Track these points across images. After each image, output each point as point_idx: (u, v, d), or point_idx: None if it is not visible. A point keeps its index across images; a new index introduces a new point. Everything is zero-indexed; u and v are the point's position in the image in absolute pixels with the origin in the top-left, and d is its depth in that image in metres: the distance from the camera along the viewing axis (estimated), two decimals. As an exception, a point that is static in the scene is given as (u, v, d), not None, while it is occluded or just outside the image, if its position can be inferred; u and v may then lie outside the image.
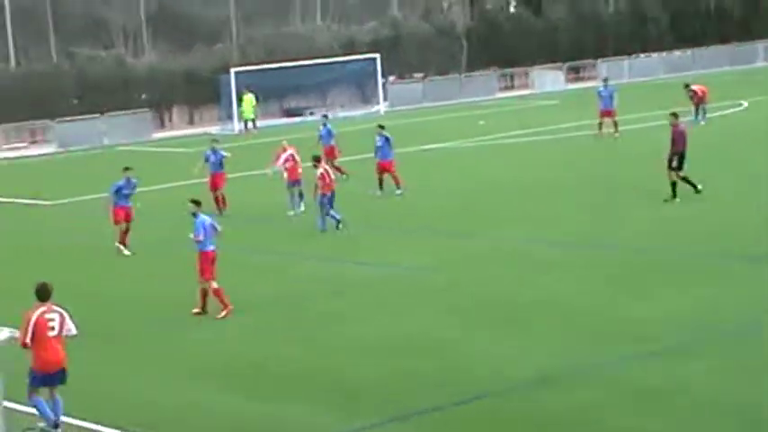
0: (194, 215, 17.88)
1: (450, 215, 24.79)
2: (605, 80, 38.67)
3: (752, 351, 13.97)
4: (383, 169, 28.28)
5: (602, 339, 14.93)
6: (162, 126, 54.02)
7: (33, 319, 12.39)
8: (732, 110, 42.69)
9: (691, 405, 12.41)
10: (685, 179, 23.71)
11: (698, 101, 37.92)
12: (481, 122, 44.46)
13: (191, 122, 55.67)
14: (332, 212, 23.71)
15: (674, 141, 23.81)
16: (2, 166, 44.07)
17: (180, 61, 56.05)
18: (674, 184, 23.59)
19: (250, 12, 61.43)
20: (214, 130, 50.79)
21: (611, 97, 36.10)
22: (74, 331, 12.76)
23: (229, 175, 28.14)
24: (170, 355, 15.81)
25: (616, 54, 64.37)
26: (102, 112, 49.74)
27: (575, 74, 63.94)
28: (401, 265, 20.23)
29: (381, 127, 29.37)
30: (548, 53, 63.79)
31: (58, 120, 48.92)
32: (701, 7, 68.97)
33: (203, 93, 54.21)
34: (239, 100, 49.82)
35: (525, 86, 61.65)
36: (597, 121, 36.23)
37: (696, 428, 11.82)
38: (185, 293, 19.51)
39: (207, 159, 27.43)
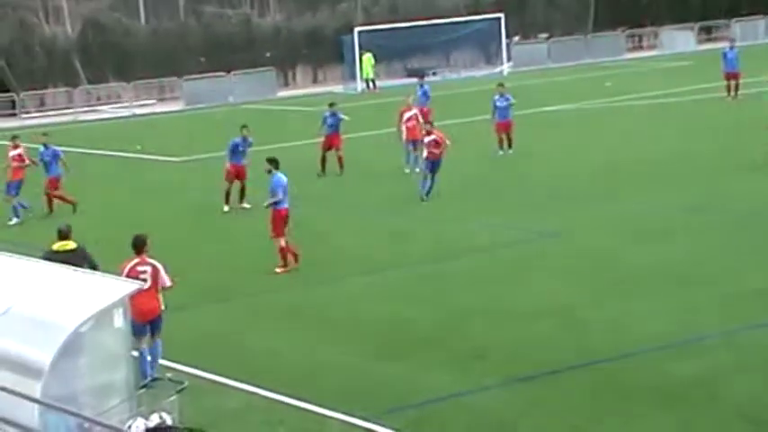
0: (270, 173, 18.01)
1: (574, 179, 24.37)
2: (732, 41, 37.81)
3: None
4: (503, 129, 27.96)
5: (729, 306, 14.49)
6: (286, 84, 54.57)
7: (126, 270, 12.77)
8: None
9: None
10: None
11: None
12: (608, 84, 43.54)
13: (314, 81, 56.08)
14: (426, 180, 22.78)
15: None
16: (132, 122, 45.24)
17: (304, 20, 56.41)
18: None
19: (374, -29, 61.24)
20: (337, 89, 51.11)
21: (736, 59, 35.08)
22: (168, 283, 13.04)
23: (348, 136, 28.22)
24: (297, 313, 15.95)
25: (751, 13, 62.08)
26: (227, 71, 50.51)
27: (706, 34, 61.98)
28: (525, 229, 20.00)
29: (501, 85, 29.00)
30: (678, 13, 61.95)
31: (185, 77, 49.88)
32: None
33: (327, 52, 54.51)
34: (360, 60, 49.97)
35: (654, 47, 60.09)
36: (725, 83, 35.25)
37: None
38: (309, 258, 19.71)
39: (324, 121, 27.35)
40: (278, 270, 17.91)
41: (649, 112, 35.26)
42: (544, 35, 59.30)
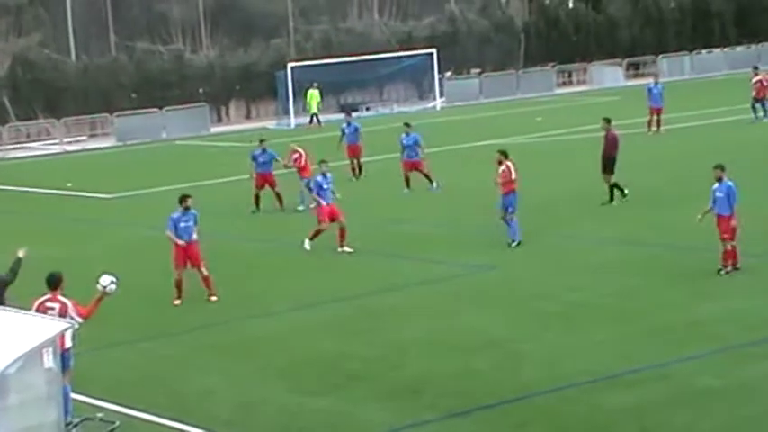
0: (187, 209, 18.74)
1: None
2: (656, 77, 39.01)
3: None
4: (408, 168, 28.17)
5: (661, 339, 14.67)
6: (219, 120, 54.39)
7: (35, 306, 12.76)
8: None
9: (757, 407, 12.13)
10: (614, 185, 24.31)
11: (761, 93, 37.15)
12: (539, 119, 44.11)
13: (248, 117, 55.97)
14: (508, 217, 21.11)
15: (605, 146, 24.48)
16: (63, 159, 44.66)
17: (237, 56, 56.38)
18: (610, 189, 24.25)
19: (307, 7, 61.57)
20: (270, 124, 51.04)
21: (661, 95, 36.05)
22: (78, 320, 12.69)
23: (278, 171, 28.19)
24: (231, 349, 15.81)
25: (677, 50, 63.54)
26: (160, 107, 50.20)
27: (634, 70, 63.23)
28: (459, 263, 20.08)
29: (407, 125, 29.12)
30: (607, 49, 63.15)
31: (116, 114, 49.46)
32: (765, 2, 67.74)
33: (260, 87, 54.49)
34: (304, 95, 49.92)
35: (583, 83, 61.09)
36: (648, 118, 36.27)
37: (757, 430, 11.55)
38: (244, 292, 19.58)
39: (254, 159, 26.89)
40: (176, 302, 18.43)
41: (580, 147, 35.77)
42: (476, 71, 59.99)
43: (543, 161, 32.45)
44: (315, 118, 49.68)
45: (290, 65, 50.82)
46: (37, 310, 12.54)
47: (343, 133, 31.44)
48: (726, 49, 64.67)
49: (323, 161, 22.23)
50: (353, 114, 51.92)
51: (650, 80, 39.86)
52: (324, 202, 21.64)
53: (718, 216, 17.72)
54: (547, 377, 13.51)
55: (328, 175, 21.86)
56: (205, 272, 18.47)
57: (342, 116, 49.91)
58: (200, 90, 53.54)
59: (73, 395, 13.05)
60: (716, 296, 16.58)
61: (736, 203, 17.67)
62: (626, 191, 24.42)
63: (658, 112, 36.25)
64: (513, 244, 20.91)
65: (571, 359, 14.13)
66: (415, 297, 17.97)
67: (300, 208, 26.05)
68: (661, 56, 62.47)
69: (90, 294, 13.09)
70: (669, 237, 19.97)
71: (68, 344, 12.47)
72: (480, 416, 12.52)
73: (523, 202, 25.06)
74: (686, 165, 27.67)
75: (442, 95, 54.82)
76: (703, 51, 63.88)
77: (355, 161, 31.05)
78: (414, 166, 28.25)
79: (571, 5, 67.89)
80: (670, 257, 19.13)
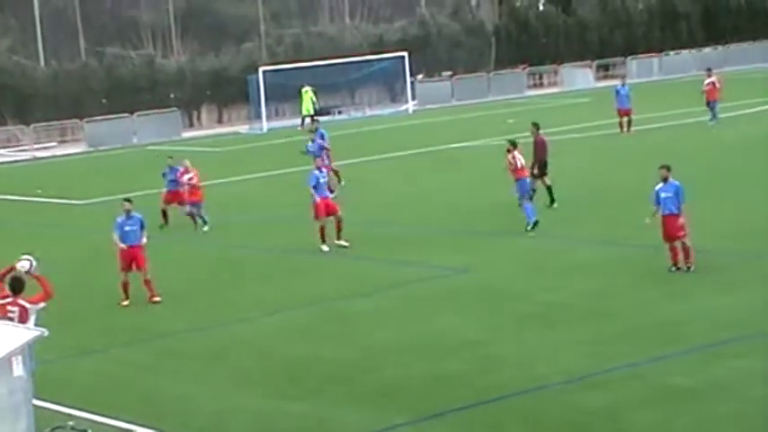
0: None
1: (479, 215, 24.61)
2: (623, 78, 38.95)
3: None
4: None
5: (634, 339, 14.73)
6: (191, 125, 54.20)
7: None
8: (763, 107, 42.23)
9: (727, 406, 12.20)
10: (549, 188, 24.46)
11: (712, 95, 37.21)
12: (510, 121, 44.21)
13: (219, 122, 55.81)
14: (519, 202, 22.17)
15: (535, 151, 24.65)
16: (33, 165, 44.32)
17: (208, 61, 56.21)
18: (549, 189, 24.40)
19: (278, 11, 61.50)
20: (243, 129, 50.92)
21: (628, 96, 36.20)
22: (31, 324, 12.74)
23: (266, 173, 28.11)
24: (205, 355, 15.73)
25: (646, 51, 63.95)
26: (131, 112, 49.95)
27: (604, 71, 63.57)
28: (432, 265, 20.09)
29: (315, 121, 30.25)
30: (577, 51, 63.50)
31: (87, 119, 49.16)
32: (732, 4, 68.36)
33: (232, 92, 54.34)
34: (299, 95, 49.53)
35: (554, 84, 61.35)
36: (618, 120, 36.37)
37: (728, 429, 11.62)
38: (218, 297, 19.52)
39: (164, 176, 26.40)
40: (155, 298, 18.77)
41: (551, 148, 35.86)
42: (448, 73, 60.11)
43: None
44: (308, 119, 49.28)
45: (261, 69, 50.70)
46: None
47: (321, 139, 31.22)
48: (693, 51, 65.16)
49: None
50: (324, 118, 51.96)
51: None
52: (318, 197, 21.83)
53: (666, 216, 17.84)
54: (521, 378, 13.53)
55: (324, 169, 22.52)
56: (148, 276, 18.82)
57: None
58: (172, 95, 53.33)
59: (44, 403, 12.96)
60: (686, 296, 16.67)
61: (682, 202, 17.87)
62: (555, 204, 24.38)
63: (626, 113, 36.40)
64: (529, 227, 21.72)
65: (546, 360, 14.16)
66: (389, 300, 17.96)
67: (206, 229, 24.82)
68: (630, 57, 62.84)
69: (60, 301, 12.99)
70: (641, 237, 20.03)
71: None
72: (455, 418, 12.52)
73: (496, 204, 25.18)
74: (656, 165, 27.67)
75: (414, 98, 54.87)
76: (671, 53, 64.33)
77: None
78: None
79: (541, 8, 68.23)
80: (642, 257, 19.22)
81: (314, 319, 17.22)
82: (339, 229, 21.85)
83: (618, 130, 36.23)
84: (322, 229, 21.76)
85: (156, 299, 18.76)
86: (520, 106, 51.29)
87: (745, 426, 11.66)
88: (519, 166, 22.18)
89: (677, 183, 18.01)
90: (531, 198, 22.48)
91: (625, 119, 36.33)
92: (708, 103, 37.17)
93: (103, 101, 51.55)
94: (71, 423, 12.61)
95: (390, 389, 13.55)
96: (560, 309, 16.53)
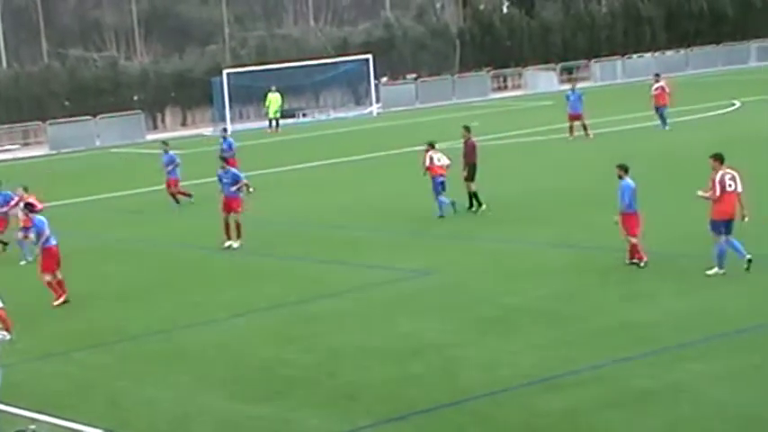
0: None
1: (444, 218, 24.68)
2: (573, 83, 39.18)
3: (751, 354, 13.90)
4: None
5: (596, 341, 14.85)
6: (155, 128, 53.95)
7: None
8: (725, 110, 42.72)
9: (687, 407, 12.35)
10: (474, 194, 24.75)
11: (660, 100, 37.44)
12: (475, 123, 44.34)
13: (183, 124, 55.59)
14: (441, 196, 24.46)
15: (466, 154, 24.90)
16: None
17: (172, 63, 55.98)
18: (474, 194, 24.72)
19: (242, 13, 61.38)
20: (207, 131, 50.75)
21: (579, 100, 36.43)
22: (6, 338, 12.96)
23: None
24: (169, 358, 15.68)
25: (609, 54, 64.43)
26: (94, 114, 49.63)
27: (568, 74, 63.96)
28: (394, 268, 20.15)
29: (225, 130, 31.31)
30: (541, 54, 63.86)
31: (49, 122, 48.79)
32: (694, 7, 69.06)
33: (196, 94, 54.16)
34: (264, 99, 49.50)
35: (518, 87, 61.67)
36: (569, 124, 36.53)
37: (690, 430, 11.76)
38: (182, 300, 19.47)
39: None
40: (55, 303, 18.95)
41: (515, 151, 36.12)
42: (412, 76, 60.25)
43: (478, 165, 32.67)
44: (274, 122, 49.30)
45: (225, 71, 50.58)
46: None
47: (229, 148, 30.98)
48: (656, 54, 65.76)
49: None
50: (289, 120, 51.90)
51: (586, 84, 40.41)
52: (224, 194, 22.91)
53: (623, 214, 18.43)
54: (483, 381, 13.60)
55: (230, 170, 23.45)
56: (59, 276, 19.16)
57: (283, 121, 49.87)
58: (135, 97, 53.06)
59: (5, 407, 12.88)
60: (648, 297, 16.83)
61: (624, 202, 18.25)
62: (483, 206, 24.62)
63: (576, 118, 36.51)
64: (438, 215, 24.17)
65: (507, 363, 14.24)
66: (353, 302, 17.99)
67: (23, 263, 23.14)
68: (594, 60, 63.30)
69: (21, 304, 12.91)
70: (601, 239, 20.21)
71: None
72: (417, 421, 12.57)
73: (459, 205, 25.26)
74: (612, 168, 27.93)
75: (378, 101, 54.93)
76: (634, 56, 64.87)
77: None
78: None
79: (505, 11, 68.57)
80: (603, 259, 19.37)
81: (278, 321, 17.23)
82: (237, 230, 22.85)
83: (578, 133, 36.47)
84: (226, 227, 22.79)
85: (56, 303, 18.92)
86: (484, 109, 51.52)
87: (705, 428, 11.80)
88: (434, 164, 24.35)
89: (625, 182, 18.36)
90: (441, 192, 24.39)
91: (576, 123, 36.45)
92: (657, 109, 37.36)
93: (66, 103, 51.19)
94: (33, 427, 12.54)
95: (354, 391, 13.59)
96: (522, 311, 16.63)
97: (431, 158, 24.70)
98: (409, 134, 41.92)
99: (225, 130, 33.77)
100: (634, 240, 18.40)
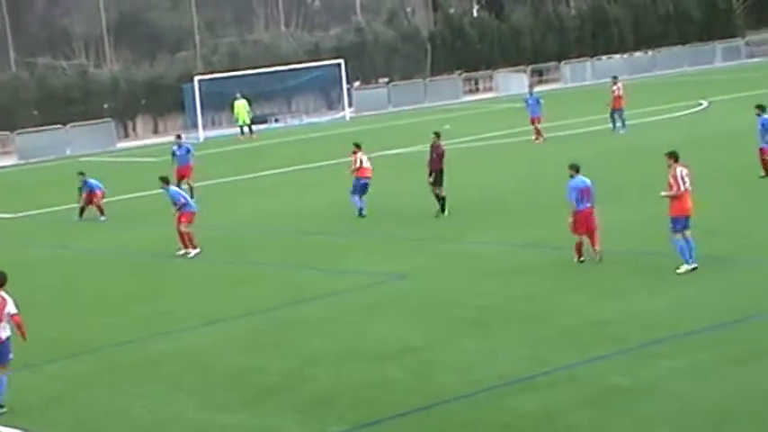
0: None
1: (415, 221, 24.74)
2: (530, 87, 39.53)
3: (720, 350, 14.01)
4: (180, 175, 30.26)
5: (568, 341, 14.92)
6: (126, 136, 53.70)
7: None
8: (692, 110, 43.05)
9: (658, 405, 12.43)
10: (437, 197, 24.75)
11: (617, 103, 37.74)
12: (447, 126, 44.48)
13: (155, 132, 55.36)
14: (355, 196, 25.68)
15: (432, 160, 24.91)
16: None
17: (143, 70, 55.75)
18: (441, 199, 24.75)
19: (213, 20, 61.26)
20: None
21: (537, 104, 36.66)
22: (13, 310, 13.84)
23: (203, 183, 27.95)
24: (144, 369, 15.61)
25: (579, 56, 64.81)
26: (64, 123, 49.34)
27: (539, 76, 64.26)
28: (368, 272, 20.16)
29: (179, 137, 31.91)
30: (511, 56, 64.14)
31: (18, 131, 48.45)
32: (660, 9, 69.64)
33: (167, 101, 53.97)
34: (231, 106, 49.39)
35: (490, 90, 61.88)
36: (534, 126, 36.79)
37: (663, 428, 11.84)
38: (155, 308, 19.38)
39: (173, 154, 30.57)
40: None
41: (487, 153, 36.25)
42: (384, 80, 60.34)
43: (451, 168, 32.75)
44: (246, 128, 49.10)
45: (197, 78, 50.42)
46: None
47: (174, 155, 30.84)
48: (625, 55, 66.23)
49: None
50: (261, 126, 51.82)
51: (556, 86, 40.65)
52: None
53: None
54: (459, 383, 13.63)
55: (168, 190, 23.31)
56: None
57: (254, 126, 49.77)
58: (106, 105, 52.80)
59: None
60: (619, 296, 16.93)
61: (570, 200, 18.85)
62: (446, 213, 24.63)
63: (535, 121, 36.69)
64: (358, 215, 25.29)
65: (483, 364, 14.28)
66: (327, 308, 17.98)
67: None
68: (563, 62, 63.63)
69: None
70: (572, 239, 20.27)
71: (5, 335, 13.67)
72: (393, 425, 12.57)
73: (431, 209, 25.32)
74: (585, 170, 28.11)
75: (350, 105, 54.97)
76: (603, 57, 65.28)
77: (187, 183, 30.11)
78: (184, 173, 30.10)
79: (475, 14, 68.81)
80: (571, 259, 19.45)
81: (252, 328, 17.18)
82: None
83: (547, 135, 36.65)
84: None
85: None
86: (456, 112, 51.66)
87: (678, 424, 11.88)
88: (360, 166, 25.63)
89: (572, 181, 18.95)
90: (362, 194, 25.57)
91: (535, 126, 36.64)
92: (615, 111, 37.54)
93: (35, 112, 50.86)
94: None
95: (329, 397, 13.57)
96: (495, 313, 16.69)
97: (360, 160, 25.77)
98: (382, 138, 41.96)
99: (179, 136, 33.09)
100: (578, 239, 18.94)
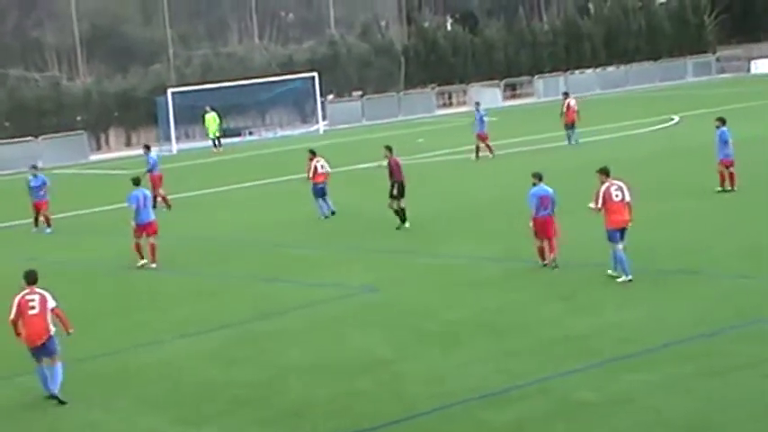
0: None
1: (386, 234, 24.77)
2: (477, 104, 39.69)
3: (691, 363, 14.11)
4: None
5: (541, 354, 14.98)
6: (98, 148, 53.47)
7: (17, 300, 14.59)
8: (664, 125, 43.39)
9: (630, 418, 12.49)
10: (397, 211, 24.88)
11: (569, 119, 38.09)
12: (420, 140, 44.61)
13: (128, 144, 55.16)
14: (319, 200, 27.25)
15: (391, 173, 25.04)
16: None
17: (115, 83, 55.58)
18: (397, 212, 24.91)
19: (186, 32, 61.15)
20: (153, 151, 50.34)
21: (481, 120, 36.91)
22: (53, 303, 14.65)
23: (176, 195, 27.87)
24: (117, 382, 15.53)
25: (552, 71, 65.20)
26: (36, 135, 49.06)
27: (512, 91, 64.59)
28: (339, 284, 20.16)
29: (35, 167, 31.16)
30: (485, 71, 64.44)
31: (-11, 143, 48.16)
32: (633, 25, 70.21)
33: (140, 114, 53.82)
34: (202, 119, 49.44)
35: (463, 104, 62.12)
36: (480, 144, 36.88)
37: (637, 440, 11.91)
38: (128, 321, 19.29)
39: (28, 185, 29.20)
40: None
41: (460, 167, 36.36)
42: (358, 93, 60.44)
43: (424, 181, 32.86)
44: (218, 141, 49.14)
45: (170, 90, 50.31)
46: (19, 304, 14.49)
47: (30, 187, 29.81)
48: (597, 70, 66.69)
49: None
50: (235, 139, 51.70)
51: (529, 100, 40.86)
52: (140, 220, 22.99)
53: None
54: (431, 396, 13.65)
55: (146, 192, 23.77)
56: None
57: (227, 140, 49.60)
58: (78, 117, 52.58)
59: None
60: (591, 309, 17.02)
61: (530, 208, 19.51)
62: (407, 224, 24.79)
63: (482, 137, 36.85)
64: (322, 218, 27.02)
65: (454, 377, 14.30)
66: (300, 320, 17.97)
67: None
68: (537, 76, 63.99)
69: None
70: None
71: (53, 329, 14.52)
72: (365, 437, 12.58)
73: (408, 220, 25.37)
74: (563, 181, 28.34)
75: (324, 118, 55.00)
76: (576, 72, 65.72)
77: (42, 215, 29.52)
78: (38, 208, 29.36)
79: (449, 28, 69.10)
80: (546, 272, 19.56)
81: (225, 341, 17.14)
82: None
83: (523, 148, 36.84)
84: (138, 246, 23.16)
85: None
86: (430, 125, 51.80)
87: (647, 436, 11.96)
88: (315, 172, 27.28)
89: (532, 190, 19.56)
90: (324, 197, 27.22)
91: (482, 142, 36.79)
92: (570, 125, 37.83)
93: (6, 123, 50.56)
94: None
95: (300, 409, 13.55)
96: (466, 325, 16.72)
97: (315, 167, 27.22)
98: (355, 151, 42.01)
99: (148, 147, 33.15)
100: (538, 244, 19.59)
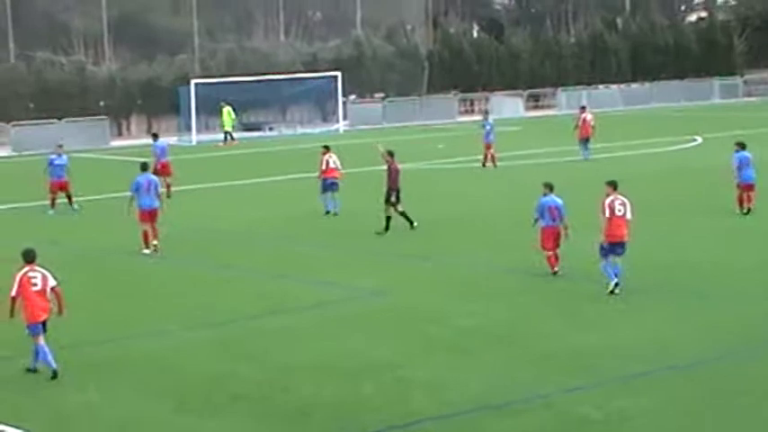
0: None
1: (400, 236, 24.78)
2: (486, 113, 39.76)
3: (693, 387, 14.07)
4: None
5: (545, 368, 14.95)
6: (119, 134, 53.67)
7: (18, 277, 14.76)
8: (686, 145, 43.24)
9: (631, 436, 12.48)
10: (402, 214, 25.09)
11: (584, 132, 38.02)
12: (440, 146, 44.57)
13: (149, 132, 55.30)
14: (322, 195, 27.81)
15: (389, 178, 25.17)
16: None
17: (140, 70, 55.77)
18: (388, 219, 24.93)
19: (213, 25, 61.32)
20: (172, 140, 50.54)
21: (489, 131, 36.97)
22: (53, 282, 14.93)
23: (189, 186, 27.95)
24: (117, 369, 15.58)
25: (576, 84, 65.04)
26: (59, 118, 49.30)
27: (534, 101, 64.47)
28: (347, 286, 20.18)
29: (59, 145, 31.47)
30: (509, 80, 64.34)
31: (13, 123, 48.38)
32: (660, 42, 69.94)
33: (163, 103, 53.98)
34: (220, 112, 49.76)
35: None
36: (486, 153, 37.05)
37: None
38: (134, 309, 19.37)
39: (51, 163, 29.91)
40: None
41: (480, 175, 36.33)
42: (380, 95, 60.44)
43: (442, 187, 32.93)
44: (230, 135, 49.42)
45: (193, 81, 50.47)
46: (20, 281, 14.70)
47: (54, 165, 30.22)
48: (622, 86, 66.46)
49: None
50: (255, 133, 51.75)
51: (552, 112, 40.73)
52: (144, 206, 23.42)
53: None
54: (434, 404, 13.63)
55: (152, 177, 24.11)
56: None
57: (247, 134, 49.74)
58: (101, 103, 52.78)
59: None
60: (597, 325, 16.97)
61: (535, 216, 20.09)
62: (415, 223, 25.05)
63: (489, 147, 36.98)
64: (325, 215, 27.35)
65: (458, 386, 14.29)
66: (307, 319, 17.99)
67: None
68: (560, 89, 63.84)
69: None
70: (563, 266, 20.36)
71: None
72: (364, 440, 12.59)
73: (419, 227, 25.35)
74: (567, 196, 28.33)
75: (345, 118, 55.04)
76: (600, 86, 65.52)
77: (66, 195, 30.04)
78: (61, 187, 29.86)
79: (475, 35, 69.04)
80: (556, 284, 19.52)
81: (230, 335, 17.18)
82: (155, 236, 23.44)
83: (490, 163, 36.86)
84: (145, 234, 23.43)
85: None
86: (450, 131, 51.76)
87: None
88: (327, 167, 27.86)
89: (542, 200, 19.93)
90: (332, 193, 27.67)
91: (492, 152, 36.87)
92: (585, 140, 37.88)
93: (31, 105, 50.81)
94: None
95: (304, 409, 13.57)
96: (474, 334, 16.71)
97: (327, 162, 27.88)
98: (374, 153, 41.97)
99: (155, 135, 34.22)
100: (547, 253, 19.84)
